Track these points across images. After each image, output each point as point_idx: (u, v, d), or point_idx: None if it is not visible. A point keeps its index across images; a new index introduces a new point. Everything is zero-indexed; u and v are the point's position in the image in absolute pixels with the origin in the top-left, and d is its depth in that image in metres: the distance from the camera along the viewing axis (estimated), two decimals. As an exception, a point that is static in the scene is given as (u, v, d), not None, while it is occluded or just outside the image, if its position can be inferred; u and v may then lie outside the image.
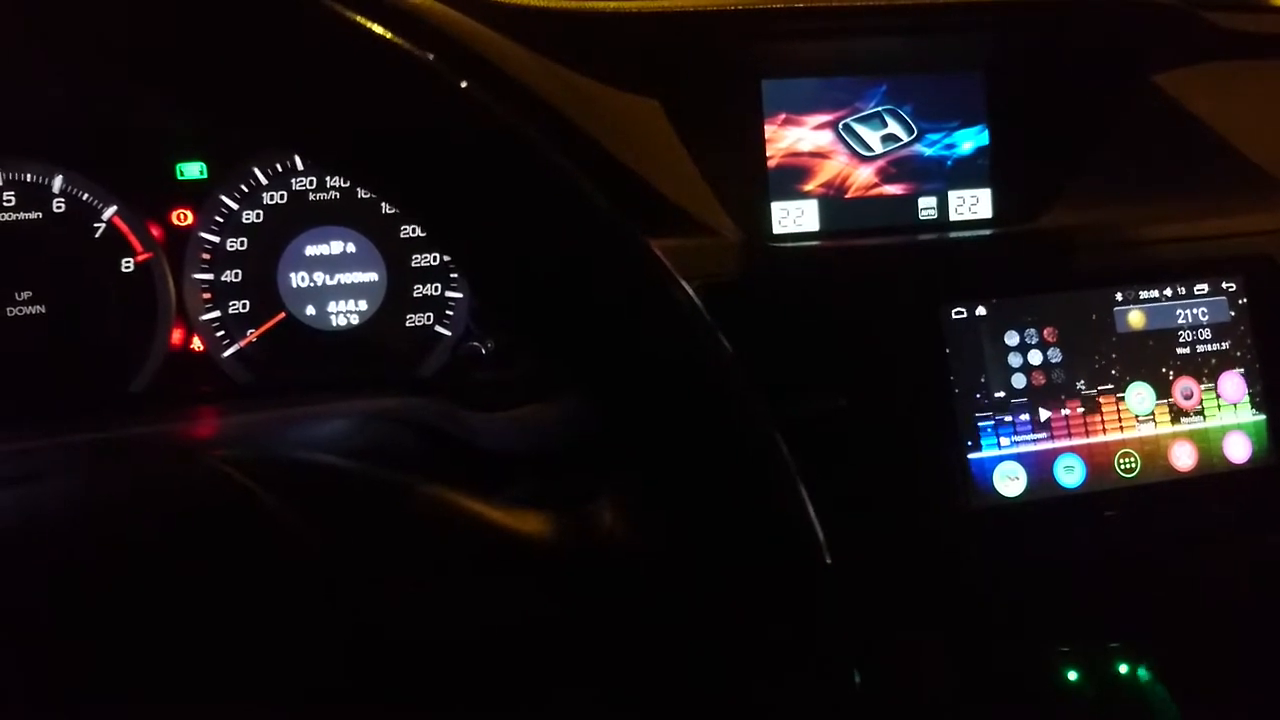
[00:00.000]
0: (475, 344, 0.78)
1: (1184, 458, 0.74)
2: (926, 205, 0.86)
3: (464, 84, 0.34)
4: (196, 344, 0.76)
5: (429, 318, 0.79)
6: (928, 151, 0.85)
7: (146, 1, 0.32)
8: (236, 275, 0.76)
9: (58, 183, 0.73)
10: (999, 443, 0.72)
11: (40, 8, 0.31)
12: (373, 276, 0.78)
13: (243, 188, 0.76)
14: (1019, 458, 0.72)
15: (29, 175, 0.73)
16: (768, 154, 0.83)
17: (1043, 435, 0.73)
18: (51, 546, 0.36)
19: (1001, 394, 0.73)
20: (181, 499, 0.39)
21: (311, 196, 0.77)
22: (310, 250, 0.77)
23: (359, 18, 0.33)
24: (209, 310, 0.75)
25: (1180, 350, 0.75)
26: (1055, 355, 0.73)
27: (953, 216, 0.86)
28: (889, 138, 0.85)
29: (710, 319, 0.37)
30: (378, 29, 0.33)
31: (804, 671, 0.39)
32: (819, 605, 0.39)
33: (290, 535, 0.38)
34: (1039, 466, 0.72)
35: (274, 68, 0.33)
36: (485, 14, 0.71)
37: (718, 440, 0.37)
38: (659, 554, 0.38)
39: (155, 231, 0.74)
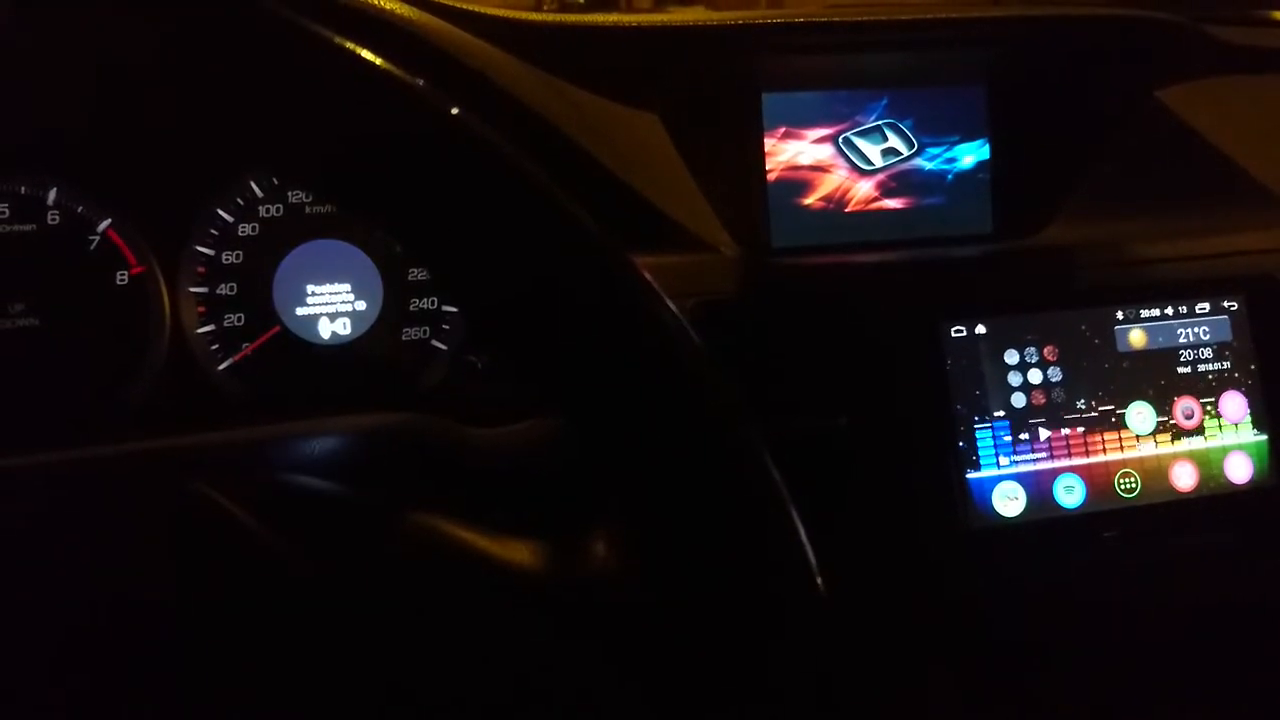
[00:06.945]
0: (472, 358, 0.77)
1: (1185, 478, 0.73)
2: (927, 219, 0.85)
3: (446, 104, 0.33)
4: (191, 358, 0.75)
5: (425, 331, 0.78)
6: (928, 165, 0.85)
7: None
8: (231, 289, 0.75)
9: (52, 195, 0.73)
10: (998, 462, 0.71)
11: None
12: (369, 290, 0.77)
13: (238, 200, 0.75)
14: (1018, 477, 0.71)
15: (23, 188, 0.72)
16: (767, 167, 0.83)
17: (1042, 455, 0.72)
18: (28, 573, 0.36)
19: (1001, 413, 0.72)
20: (165, 526, 0.39)
21: (307, 210, 0.76)
22: (306, 263, 0.76)
23: (341, 39, 0.33)
24: (203, 324, 0.75)
25: (1181, 369, 0.74)
26: (1055, 374, 0.73)
27: (953, 231, 0.86)
28: (889, 151, 0.84)
29: (698, 340, 0.36)
30: (362, 51, 0.33)
31: (793, 696, 0.38)
32: (808, 632, 0.38)
33: (274, 563, 0.38)
34: (1038, 486, 0.71)
35: (255, 86, 0.33)
36: (482, 28, 0.71)
37: (704, 465, 0.37)
38: (652, 589, 0.38)
39: (150, 245, 0.74)
